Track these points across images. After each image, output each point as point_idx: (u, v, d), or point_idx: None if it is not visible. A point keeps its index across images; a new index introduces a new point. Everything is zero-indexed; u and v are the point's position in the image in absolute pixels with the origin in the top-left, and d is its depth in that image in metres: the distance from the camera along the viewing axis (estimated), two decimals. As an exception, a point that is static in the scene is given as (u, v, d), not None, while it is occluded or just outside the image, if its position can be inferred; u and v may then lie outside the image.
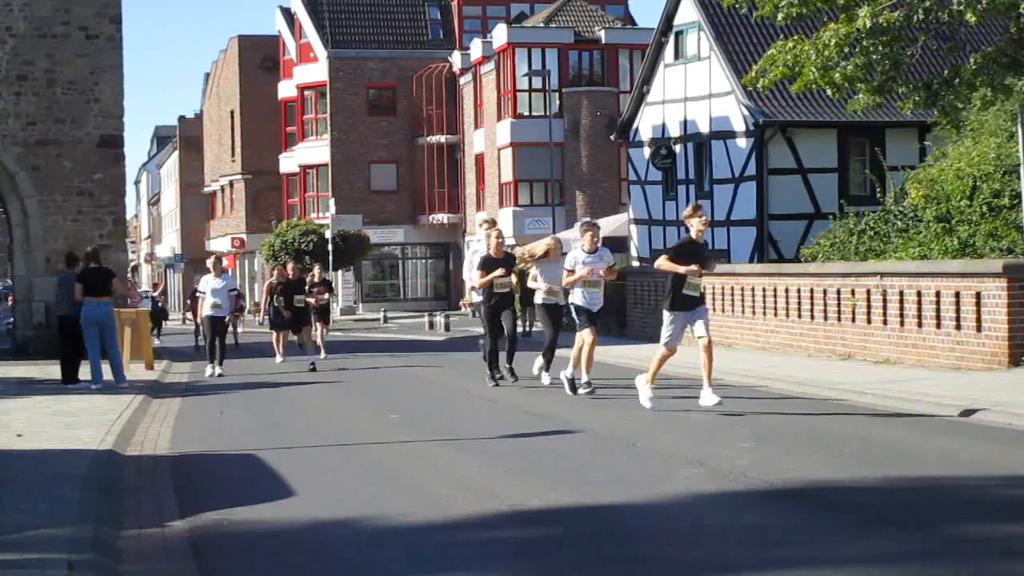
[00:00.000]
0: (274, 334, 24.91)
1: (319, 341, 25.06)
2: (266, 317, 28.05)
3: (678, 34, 34.59)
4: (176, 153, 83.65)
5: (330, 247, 45.50)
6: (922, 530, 7.37)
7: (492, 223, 17.79)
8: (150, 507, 8.86)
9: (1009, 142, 19.49)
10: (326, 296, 25.81)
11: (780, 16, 18.46)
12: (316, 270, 26.60)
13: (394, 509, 8.39)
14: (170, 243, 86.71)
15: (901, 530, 7.40)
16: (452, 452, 11.01)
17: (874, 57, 18.02)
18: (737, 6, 20.34)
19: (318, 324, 25.27)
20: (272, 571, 6.98)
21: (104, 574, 6.83)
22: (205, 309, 21.61)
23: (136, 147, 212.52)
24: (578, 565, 6.82)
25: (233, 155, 64.62)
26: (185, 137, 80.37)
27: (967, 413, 12.27)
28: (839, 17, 18.13)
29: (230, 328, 30.98)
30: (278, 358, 24.04)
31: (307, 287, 24.56)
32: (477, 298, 18.04)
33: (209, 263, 22.33)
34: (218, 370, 21.17)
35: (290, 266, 26.28)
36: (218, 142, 68.38)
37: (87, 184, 26.78)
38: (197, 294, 22.20)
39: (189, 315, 44.71)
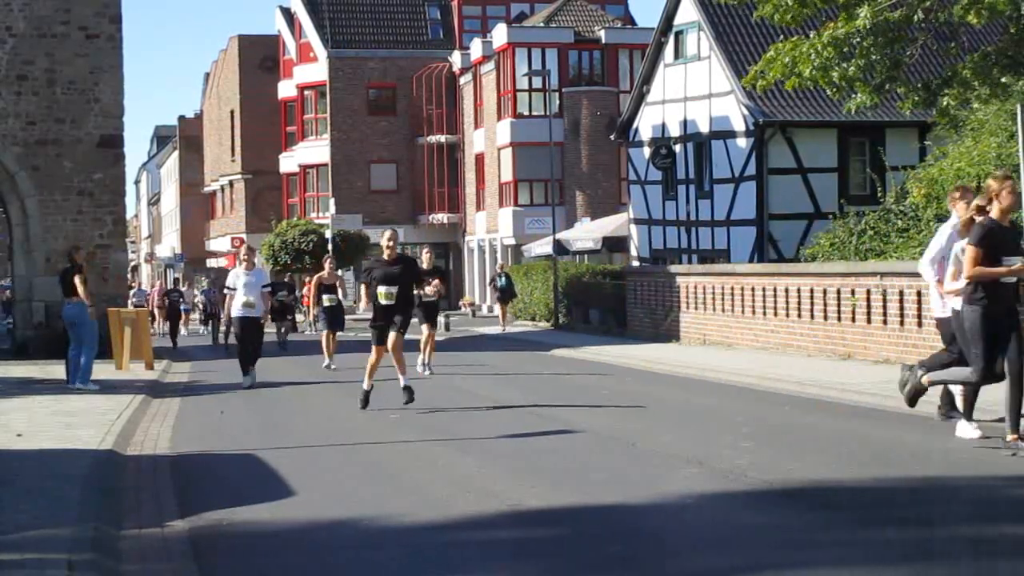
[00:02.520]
0: (324, 334, 22.04)
1: (427, 354, 19.71)
2: (315, 317, 24.06)
3: (678, 34, 34.58)
4: (176, 153, 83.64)
5: (330, 247, 45.50)
6: (922, 530, 7.37)
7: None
8: (150, 507, 8.86)
9: (1009, 142, 19.47)
10: (435, 288, 18.29)
11: (778, 17, 18.46)
12: (425, 254, 20.28)
13: (394, 509, 8.39)
14: (170, 243, 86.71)
15: (901, 530, 7.40)
16: (452, 452, 11.00)
17: (874, 57, 18.03)
18: (736, 4, 20.34)
19: (424, 327, 19.75)
20: (272, 571, 6.98)
21: (104, 574, 6.83)
22: (235, 308, 18.65)
23: (136, 147, 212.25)
24: (578, 565, 6.82)
25: (233, 155, 64.60)
26: (185, 137, 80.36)
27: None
28: (839, 16, 18.14)
29: (280, 329, 29.31)
30: (325, 361, 21.57)
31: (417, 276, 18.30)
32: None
33: (241, 254, 19.59)
34: (249, 381, 18.29)
35: (327, 263, 23.22)
36: (218, 142, 68.37)
37: (87, 184, 26.77)
38: (226, 290, 19.28)
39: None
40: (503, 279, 37.92)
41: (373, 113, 56.37)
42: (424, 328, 19.65)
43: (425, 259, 19.83)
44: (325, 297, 22.19)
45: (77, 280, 18.08)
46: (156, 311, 42.16)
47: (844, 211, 23.03)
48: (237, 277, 18.67)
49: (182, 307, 38.72)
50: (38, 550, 7.03)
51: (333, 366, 21.28)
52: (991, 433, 10.45)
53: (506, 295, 37.77)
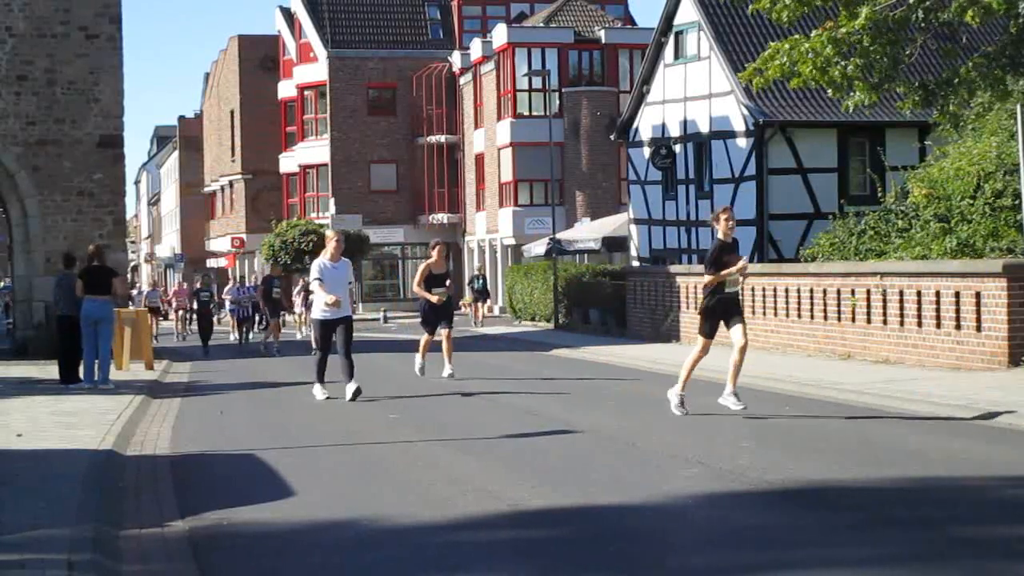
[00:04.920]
0: (425, 338, 18.60)
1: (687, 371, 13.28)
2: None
3: (678, 34, 34.58)
4: (176, 153, 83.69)
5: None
6: (922, 530, 7.37)
7: None
8: (150, 507, 8.86)
9: (1009, 142, 19.47)
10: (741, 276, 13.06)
11: (774, 16, 18.43)
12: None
13: (394, 509, 8.39)
14: (170, 243, 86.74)
15: (901, 530, 7.40)
16: (452, 452, 11.00)
17: (874, 57, 18.01)
18: (737, 3, 20.31)
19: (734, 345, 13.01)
20: (272, 571, 6.98)
21: (104, 574, 6.83)
22: (316, 309, 15.79)
23: (136, 147, 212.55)
24: (578, 565, 6.82)
25: (233, 155, 64.63)
26: (185, 137, 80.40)
27: (982, 415, 12.26)
28: (839, 14, 18.11)
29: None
30: (418, 364, 18.45)
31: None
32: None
33: (330, 237, 15.94)
34: (352, 388, 15.40)
35: (436, 250, 18.38)
36: (218, 142, 68.39)
37: (87, 184, 26.78)
38: (313, 282, 15.65)
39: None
40: (480, 281, 41.08)
41: (373, 113, 56.39)
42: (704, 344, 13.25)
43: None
44: (434, 291, 18.00)
45: (117, 281, 18.81)
46: (178, 312, 41.07)
47: (844, 211, 23.03)
48: (323, 268, 15.40)
49: (229, 307, 35.82)
50: (38, 550, 7.03)
51: (448, 372, 18.10)
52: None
53: (481, 296, 41.08)
